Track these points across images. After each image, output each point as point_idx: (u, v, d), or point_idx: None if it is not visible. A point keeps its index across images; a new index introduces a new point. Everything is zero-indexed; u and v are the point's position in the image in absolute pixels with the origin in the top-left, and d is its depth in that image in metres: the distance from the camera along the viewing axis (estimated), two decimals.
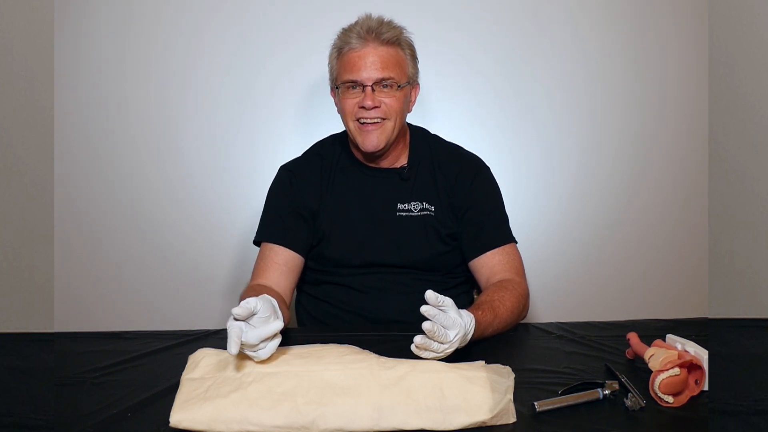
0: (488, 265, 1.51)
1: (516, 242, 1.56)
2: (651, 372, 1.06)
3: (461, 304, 1.20)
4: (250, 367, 1.08)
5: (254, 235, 1.58)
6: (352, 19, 1.52)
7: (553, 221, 2.16)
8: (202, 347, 1.16)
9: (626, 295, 2.17)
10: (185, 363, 1.12)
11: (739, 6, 1.68)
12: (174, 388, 1.07)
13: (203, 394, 1.02)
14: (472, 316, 1.20)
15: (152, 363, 1.25)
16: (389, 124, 1.49)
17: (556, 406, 1.03)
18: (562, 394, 1.05)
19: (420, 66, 1.56)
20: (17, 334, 1.48)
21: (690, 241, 2.17)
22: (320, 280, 1.58)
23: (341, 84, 1.50)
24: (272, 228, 1.55)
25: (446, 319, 1.11)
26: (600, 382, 1.07)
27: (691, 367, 1.06)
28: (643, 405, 1.02)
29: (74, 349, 1.32)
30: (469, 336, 1.19)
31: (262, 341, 1.05)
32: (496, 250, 1.52)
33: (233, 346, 1.01)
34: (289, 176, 1.59)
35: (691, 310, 1.97)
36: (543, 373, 1.17)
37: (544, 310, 2.14)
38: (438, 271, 1.55)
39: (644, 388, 1.05)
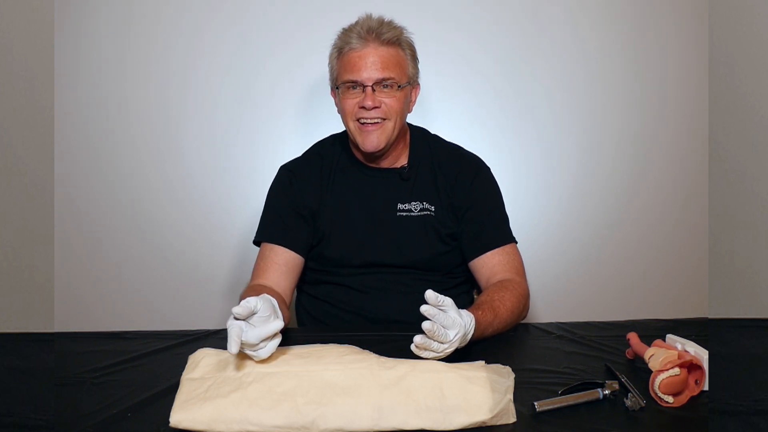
0: (488, 265, 1.51)
1: (516, 242, 1.56)
2: (651, 372, 1.06)
3: (461, 304, 1.20)
4: (250, 367, 1.08)
5: (254, 235, 1.58)
6: (352, 19, 1.52)
7: (553, 221, 2.16)
8: (202, 347, 1.16)
9: (626, 295, 2.17)
10: (185, 363, 1.12)
11: (739, 6, 1.68)
12: (174, 388, 1.07)
13: (203, 394, 1.02)
14: (472, 315, 1.20)
15: (152, 363, 1.25)
16: (389, 125, 1.49)
17: (556, 406, 1.03)
18: (562, 394, 1.05)
19: (420, 66, 1.56)
20: (17, 334, 1.48)
21: (690, 241, 2.17)
22: (320, 280, 1.58)
23: (341, 84, 1.50)
24: (272, 228, 1.55)
25: (446, 319, 1.11)
26: (600, 382, 1.07)
27: (691, 367, 1.06)
28: (643, 405, 1.02)
29: (74, 349, 1.32)
30: (469, 336, 1.19)
31: (263, 341, 1.05)
32: (497, 250, 1.52)
33: (233, 346, 1.01)
34: (289, 176, 1.59)
35: (691, 310, 1.97)
36: (543, 373, 1.17)
37: (544, 310, 2.14)
38: (438, 271, 1.55)
39: (644, 388, 1.05)
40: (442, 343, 1.12)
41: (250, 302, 1.05)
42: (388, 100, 1.48)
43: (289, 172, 1.61)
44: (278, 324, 1.06)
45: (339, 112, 1.55)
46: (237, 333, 1.02)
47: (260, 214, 1.60)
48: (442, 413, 0.99)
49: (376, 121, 1.48)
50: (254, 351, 1.06)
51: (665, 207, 2.17)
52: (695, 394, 1.07)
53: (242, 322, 1.05)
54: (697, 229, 2.13)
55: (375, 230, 1.54)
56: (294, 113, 2.10)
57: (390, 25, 1.50)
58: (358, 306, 1.54)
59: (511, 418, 1.00)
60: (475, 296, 1.66)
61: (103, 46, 2.06)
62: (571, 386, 1.07)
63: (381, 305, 1.52)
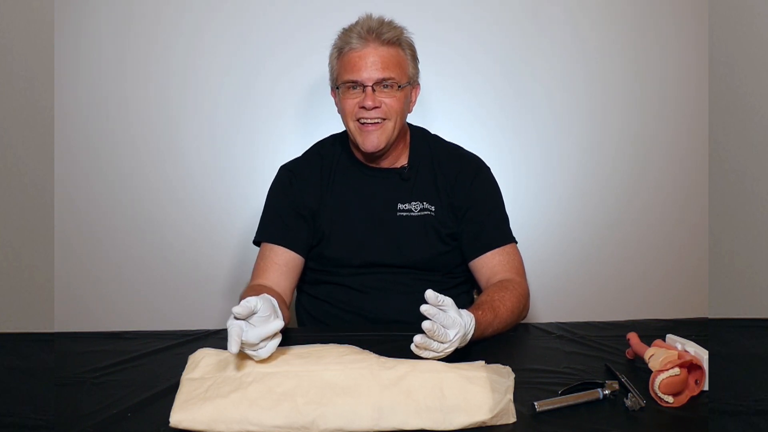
0: (488, 265, 1.51)
1: (516, 242, 1.56)
2: (651, 372, 1.06)
3: (461, 304, 1.20)
4: (250, 367, 1.08)
5: (254, 235, 1.58)
6: (352, 19, 1.52)
7: (553, 221, 2.16)
8: (202, 347, 1.16)
9: (626, 295, 2.17)
10: (185, 363, 1.12)
11: (739, 6, 1.68)
12: (174, 388, 1.07)
13: (203, 394, 1.02)
14: (472, 315, 1.20)
15: (152, 363, 1.25)
16: (389, 125, 1.49)
17: (556, 406, 1.03)
18: (562, 394, 1.05)
19: (420, 66, 1.56)
20: (17, 334, 1.48)
21: (690, 241, 2.17)
22: (320, 280, 1.58)
23: (342, 84, 1.50)
24: (272, 228, 1.55)
25: (446, 319, 1.11)
26: (600, 382, 1.07)
27: (691, 367, 1.06)
28: (643, 405, 1.02)
29: (74, 349, 1.32)
30: (469, 336, 1.19)
31: (263, 340, 1.05)
32: (497, 250, 1.52)
33: (234, 345, 1.01)
34: (289, 176, 1.59)
35: (691, 310, 1.97)
36: (543, 373, 1.17)
37: (544, 310, 2.14)
38: (438, 271, 1.55)
39: (644, 388, 1.05)
40: (442, 342, 1.12)
41: (250, 302, 1.05)
42: (388, 100, 1.48)
43: (289, 172, 1.61)
44: (278, 324, 1.06)
45: (339, 112, 1.55)
46: (237, 332, 1.02)
47: (260, 214, 1.60)
48: (442, 413, 0.99)
49: (376, 121, 1.48)
50: (254, 351, 1.06)
51: (665, 207, 2.17)
52: (695, 394, 1.07)
53: (242, 321, 1.05)
54: (697, 229, 2.13)
55: (375, 230, 1.54)
56: (294, 113, 2.10)
57: (390, 25, 1.50)
58: (358, 306, 1.54)
59: (511, 418, 1.00)
60: (475, 296, 1.66)
61: (103, 46, 2.06)
62: (571, 386, 1.07)
63: (381, 305, 1.52)
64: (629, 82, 2.12)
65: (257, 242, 1.57)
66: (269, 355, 1.07)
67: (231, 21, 2.06)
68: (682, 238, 2.18)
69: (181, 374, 1.10)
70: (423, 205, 1.55)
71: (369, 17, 1.50)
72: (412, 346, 1.12)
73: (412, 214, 1.55)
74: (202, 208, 2.12)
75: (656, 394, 1.04)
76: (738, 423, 1.02)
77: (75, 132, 2.07)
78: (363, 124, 1.49)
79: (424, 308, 1.10)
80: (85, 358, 1.26)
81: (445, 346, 1.12)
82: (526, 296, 1.46)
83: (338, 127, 1.61)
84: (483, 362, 1.12)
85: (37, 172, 1.72)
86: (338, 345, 1.16)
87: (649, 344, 1.15)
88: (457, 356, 1.16)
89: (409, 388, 1.02)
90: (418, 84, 1.57)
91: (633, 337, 1.20)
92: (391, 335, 1.29)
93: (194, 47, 2.06)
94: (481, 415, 0.99)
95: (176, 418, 0.99)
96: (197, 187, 2.11)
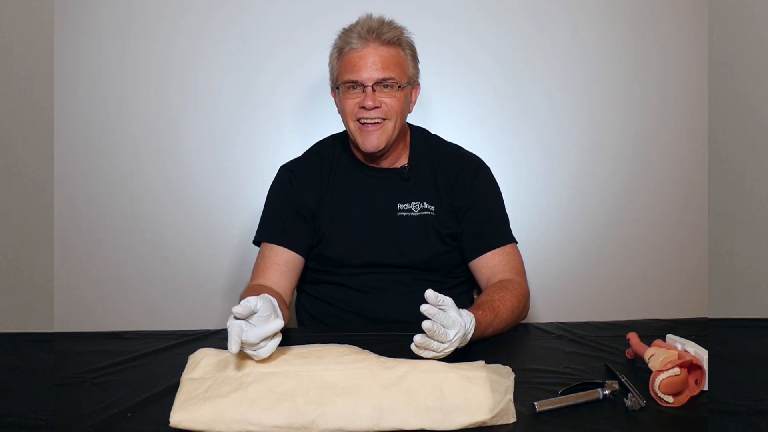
0: (488, 265, 1.51)
1: (516, 242, 1.56)
2: (651, 372, 1.06)
3: (461, 304, 1.20)
4: (250, 367, 1.08)
5: (254, 235, 1.58)
6: (352, 19, 1.52)
7: (553, 221, 2.16)
8: (202, 347, 1.16)
9: (626, 295, 2.17)
10: (185, 363, 1.12)
11: (739, 6, 1.68)
12: (174, 388, 1.07)
13: (203, 394, 1.02)
14: (472, 315, 1.20)
15: (152, 363, 1.25)
16: (390, 125, 1.49)
17: (556, 406, 1.03)
18: (562, 394, 1.05)
19: (420, 66, 1.56)
20: (17, 334, 1.48)
21: (690, 241, 2.17)
22: (320, 280, 1.58)
23: (342, 84, 1.50)
24: (272, 228, 1.55)
25: (446, 318, 1.11)
26: (600, 382, 1.07)
27: (691, 367, 1.06)
28: (643, 405, 1.02)
29: (74, 349, 1.32)
30: (469, 335, 1.19)
31: (263, 340, 1.05)
32: (497, 250, 1.52)
33: (234, 345, 1.01)
34: (289, 176, 1.59)
35: (691, 310, 1.97)
36: (543, 373, 1.17)
37: (544, 310, 2.14)
38: (438, 271, 1.55)
39: (644, 388, 1.05)
40: (442, 342, 1.12)
41: (250, 302, 1.05)
42: (388, 100, 1.48)
43: (289, 172, 1.61)
44: (278, 323, 1.06)
45: (339, 112, 1.55)
46: (237, 332, 1.03)
47: (260, 214, 1.60)
48: (442, 413, 0.99)
49: (376, 121, 1.48)
50: (254, 350, 1.06)
51: (665, 207, 2.17)
52: (695, 394, 1.07)
53: (242, 321, 1.05)
54: (697, 229, 2.13)
55: (375, 230, 1.54)
56: (294, 113, 2.10)
57: (390, 25, 1.50)
58: (358, 306, 1.54)
59: (511, 418, 1.00)
60: (475, 296, 1.66)
61: (103, 46, 2.06)
62: (571, 386, 1.07)
63: (381, 305, 1.52)
64: (629, 82, 2.12)
65: (257, 242, 1.57)
66: (269, 354, 1.07)
67: (231, 21, 2.06)
68: (682, 238, 2.18)
69: (181, 374, 1.10)
70: (423, 205, 1.55)
71: (369, 17, 1.50)
72: (412, 346, 1.12)
73: (412, 214, 1.55)
74: (202, 208, 2.12)
75: (656, 394, 1.04)
76: (738, 423, 1.02)
77: (75, 132, 2.07)
78: (363, 124, 1.49)
79: (424, 308, 1.10)
80: (85, 358, 1.26)
81: (445, 345, 1.12)
82: (526, 296, 1.46)
83: (338, 127, 1.61)
84: (483, 362, 1.12)
85: (37, 172, 1.72)
86: (338, 345, 1.16)
87: (649, 344, 1.15)
88: (457, 356, 1.16)
89: (409, 388, 1.02)
90: (418, 84, 1.57)
91: (633, 337, 1.20)
92: (391, 335, 1.29)
93: (194, 47, 2.06)
94: (481, 415, 0.99)
95: (176, 418, 0.99)
96: (197, 187, 2.11)
